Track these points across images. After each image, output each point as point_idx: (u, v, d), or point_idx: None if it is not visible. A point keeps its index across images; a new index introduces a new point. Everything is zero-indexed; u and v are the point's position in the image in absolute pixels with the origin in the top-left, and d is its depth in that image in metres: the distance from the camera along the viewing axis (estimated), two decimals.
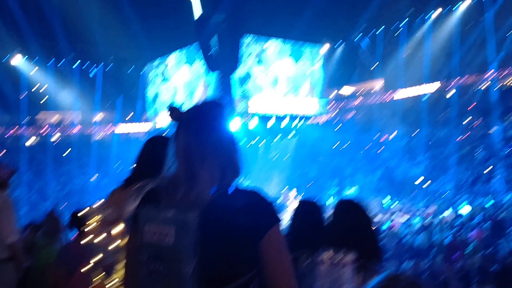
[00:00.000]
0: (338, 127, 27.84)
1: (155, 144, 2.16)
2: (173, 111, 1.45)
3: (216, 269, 1.29)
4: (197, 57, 17.35)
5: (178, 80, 18.95)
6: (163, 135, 2.17)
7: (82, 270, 2.07)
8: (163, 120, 19.08)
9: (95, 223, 2.00)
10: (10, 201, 3.50)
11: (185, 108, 1.47)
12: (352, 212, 2.25)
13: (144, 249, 1.31)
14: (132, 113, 25.85)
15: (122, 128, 26.82)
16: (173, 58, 19.06)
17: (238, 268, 1.31)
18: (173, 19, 17.28)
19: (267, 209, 1.36)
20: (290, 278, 1.37)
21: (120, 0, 17.52)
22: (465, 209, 14.35)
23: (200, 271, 1.26)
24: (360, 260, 1.94)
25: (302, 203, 2.77)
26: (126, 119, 26.69)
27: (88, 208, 2.09)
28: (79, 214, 3.71)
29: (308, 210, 2.65)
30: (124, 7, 17.79)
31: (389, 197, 18.87)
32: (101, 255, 1.99)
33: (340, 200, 2.42)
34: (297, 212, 2.66)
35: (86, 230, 2.04)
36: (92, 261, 1.93)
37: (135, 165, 2.16)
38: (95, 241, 2.00)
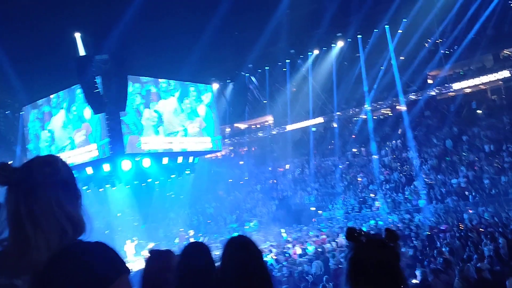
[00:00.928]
0: (234, 161, 28.36)
1: None
2: (2, 171, 1.33)
3: None
4: (78, 99, 16.58)
5: (57, 124, 17.87)
6: None
7: None
8: None
9: None
10: None
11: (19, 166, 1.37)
12: (241, 250, 2.20)
13: None
14: (12, 161, 23.62)
15: None
16: (52, 100, 17.99)
17: None
18: (51, 61, 16.40)
19: (110, 260, 1.21)
20: None
21: None
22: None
23: None
24: None
25: (187, 247, 2.54)
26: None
27: None
28: None
29: (195, 252, 2.46)
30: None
31: (283, 230, 19.46)
32: None
33: (230, 238, 2.32)
34: (184, 256, 2.45)
35: None
36: None
37: None
38: None
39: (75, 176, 1.42)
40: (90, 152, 16.70)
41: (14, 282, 1.19)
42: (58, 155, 1.45)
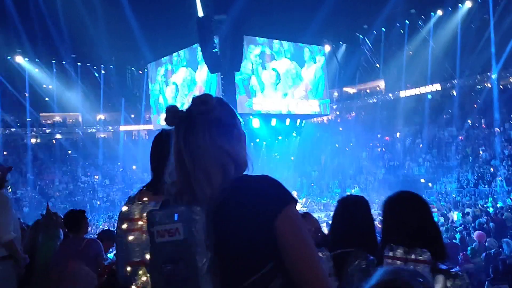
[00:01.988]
0: (340, 127, 27.87)
1: (161, 140, 2.07)
2: (168, 113, 1.41)
3: (232, 262, 1.24)
4: (198, 58, 17.37)
5: (179, 80, 18.98)
6: (168, 130, 2.17)
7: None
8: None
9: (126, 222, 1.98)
10: (7, 199, 3.49)
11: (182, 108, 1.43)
12: (415, 207, 2.04)
13: (157, 252, 1.31)
14: (133, 115, 25.95)
15: (126, 128, 26.91)
16: (174, 59, 19.09)
17: (254, 260, 1.23)
18: (173, 21, 17.33)
19: (277, 191, 1.26)
20: (313, 267, 1.23)
21: (119, 3, 17.53)
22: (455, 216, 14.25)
23: (216, 265, 1.23)
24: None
25: (344, 200, 2.52)
26: (131, 117, 26.78)
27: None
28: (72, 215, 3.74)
29: (353, 206, 2.41)
30: (124, 10, 17.85)
31: None
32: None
33: (399, 194, 2.15)
34: (341, 209, 2.44)
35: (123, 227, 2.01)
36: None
37: (151, 164, 2.09)
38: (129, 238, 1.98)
39: (236, 117, 1.43)
40: None
41: (193, 210, 1.26)
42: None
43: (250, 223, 1.23)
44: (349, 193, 21.85)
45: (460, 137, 21.66)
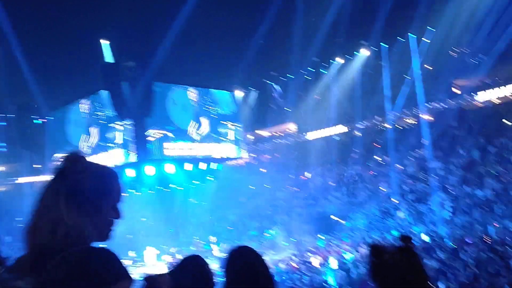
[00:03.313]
0: (256, 168, 28.38)
1: None
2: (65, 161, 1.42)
3: None
4: (104, 104, 16.96)
5: (83, 129, 18.32)
6: None
7: None
8: None
9: None
10: None
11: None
12: (246, 257, 2.26)
13: None
14: (40, 165, 24.29)
15: (26, 179, 25.01)
16: (80, 106, 18.47)
17: None
18: (80, 66, 16.83)
19: (108, 266, 1.21)
20: None
21: (23, 45, 16.73)
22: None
23: None
24: None
25: (186, 258, 2.51)
26: (33, 167, 25.02)
27: None
28: None
29: (193, 264, 2.45)
30: (27, 53, 17.03)
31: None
32: None
33: (235, 247, 2.36)
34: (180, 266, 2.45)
35: None
36: None
37: None
38: None
39: (105, 190, 1.41)
40: (115, 157, 17.03)
41: (15, 284, 1.22)
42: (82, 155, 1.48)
43: None
44: (267, 234, 22.08)
45: (366, 173, 23.08)
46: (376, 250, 1.84)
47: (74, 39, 16.69)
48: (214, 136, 20.12)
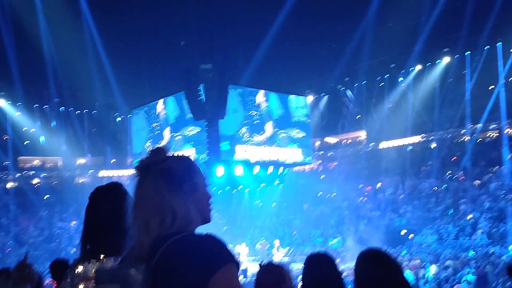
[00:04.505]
0: (322, 176, 28.01)
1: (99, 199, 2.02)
2: (138, 164, 1.43)
3: None
4: (182, 105, 17.55)
5: (163, 127, 19.09)
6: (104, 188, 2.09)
7: None
8: None
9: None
10: None
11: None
12: (378, 266, 2.19)
13: None
14: (114, 160, 25.72)
15: (106, 173, 26.52)
16: (159, 105, 19.27)
17: None
18: (159, 67, 17.64)
19: (214, 251, 1.24)
20: None
21: (107, 47, 17.82)
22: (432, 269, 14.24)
23: None
24: None
25: (312, 257, 2.60)
26: (111, 162, 26.48)
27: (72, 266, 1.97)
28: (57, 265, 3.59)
29: (321, 264, 2.52)
30: (111, 54, 18.12)
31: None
32: None
33: (365, 252, 2.34)
34: (308, 267, 2.53)
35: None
36: None
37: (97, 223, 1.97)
38: None
39: (194, 171, 1.44)
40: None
41: (129, 271, 1.29)
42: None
43: (185, 284, 1.20)
44: (331, 242, 21.69)
45: (437, 189, 21.96)
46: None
47: (156, 41, 17.52)
48: (284, 140, 20.14)
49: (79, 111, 25.18)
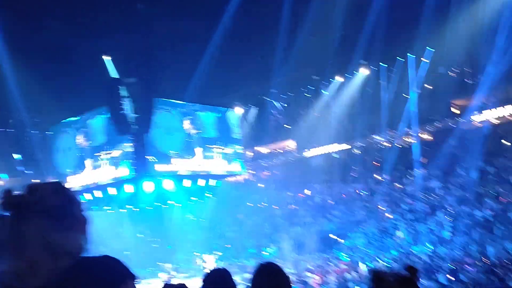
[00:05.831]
0: (255, 185, 28.32)
1: None
2: (3, 198, 1.37)
3: None
4: (104, 120, 17.02)
5: (83, 144, 18.35)
6: None
7: None
8: (70, 185, 18.11)
9: None
10: None
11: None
12: (273, 276, 2.28)
13: None
14: (37, 180, 24.17)
15: None
16: (80, 121, 18.54)
17: None
18: (81, 81, 16.94)
19: (113, 267, 1.24)
20: None
21: (21, 62, 16.84)
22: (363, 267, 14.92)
23: None
24: None
25: (213, 272, 2.67)
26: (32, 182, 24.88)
27: None
28: None
29: (220, 277, 2.57)
30: (26, 68, 17.13)
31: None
32: None
33: (261, 264, 2.41)
34: (207, 280, 2.56)
35: None
36: None
37: None
38: None
39: (72, 202, 1.42)
40: (114, 172, 17.00)
41: None
42: (55, 181, 1.48)
43: None
44: (265, 253, 21.91)
45: (362, 193, 23.05)
46: (377, 277, 1.84)
47: (75, 55, 16.83)
48: (213, 153, 20.13)
49: None
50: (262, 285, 2.29)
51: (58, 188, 1.43)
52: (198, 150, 19.52)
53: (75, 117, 18.61)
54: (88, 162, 18.10)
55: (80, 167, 18.30)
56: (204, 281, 2.58)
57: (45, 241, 1.32)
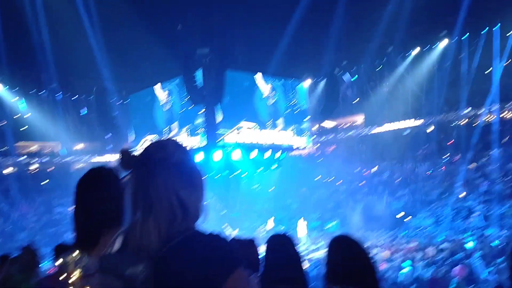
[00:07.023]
0: (320, 159, 28.11)
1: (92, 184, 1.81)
2: (123, 157, 1.37)
3: None
4: (181, 90, 17.50)
5: (161, 112, 19.06)
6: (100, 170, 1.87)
7: None
8: None
9: (76, 275, 1.75)
10: None
11: (140, 151, 1.41)
12: (348, 248, 2.28)
13: None
14: (112, 145, 25.67)
15: (103, 158, 26.50)
16: (157, 90, 19.21)
17: None
18: (156, 52, 17.46)
19: (225, 255, 1.24)
20: None
21: (103, 31, 17.63)
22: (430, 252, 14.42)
23: None
24: None
25: (273, 238, 2.64)
26: (109, 148, 26.42)
27: (68, 257, 1.77)
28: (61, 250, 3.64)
29: (280, 244, 2.56)
30: (107, 38, 17.93)
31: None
32: None
33: (335, 237, 2.40)
34: (269, 247, 2.56)
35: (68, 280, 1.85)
36: None
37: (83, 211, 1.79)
38: None
39: (195, 162, 1.40)
40: (188, 140, 17.56)
41: (134, 269, 1.21)
42: (174, 139, 1.46)
43: (198, 283, 1.19)
44: (327, 226, 21.90)
45: (433, 172, 22.11)
46: None
47: (152, 25, 17.31)
48: (281, 125, 20.16)
49: (77, 96, 25.05)
50: (337, 258, 2.26)
51: (180, 145, 1.41)
52: (267, 122, 19.64)
53: (153, 85, 19.28)
54: (163, 129, 18.85)
55: (156, 133, 19.12)
56: (267, 245, 2.59)
57: (170, 199, 1.30)
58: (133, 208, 1.33)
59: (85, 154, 26.66)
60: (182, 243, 1.24)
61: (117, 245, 1.34)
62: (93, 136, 26.23)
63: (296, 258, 2.50)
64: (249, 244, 2.71)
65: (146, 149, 1.39)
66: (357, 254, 2.25)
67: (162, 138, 1.45)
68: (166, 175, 1.31)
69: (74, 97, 24.99)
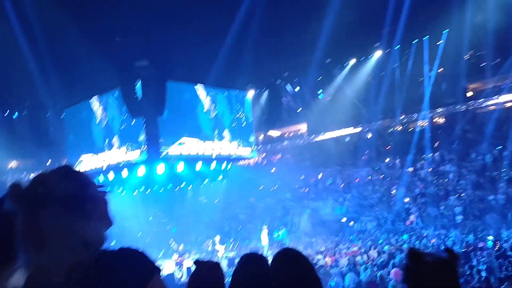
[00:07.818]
0: (266, 168, 28.36)
1: None
2: (12, 191, 1.29)
3: None
4: (120, 103, 17.08)
5: (99, 127, 18.48)
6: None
7: None
8: (83, 167, 18.32)
9: None
10: None
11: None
12: (294, 262, 2.24)
13: None
14: (50, 160, 24.50)
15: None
16: (93, 104, 18.62)
17: None
18: (94, 64, 16.94)
19: (140, 262, 1.18)
20: None
21: (36, 42, 16.87)
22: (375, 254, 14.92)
23: None
24: None
25: (244, 257, 2.55)
26: (47, 164, 25.21)
27: None
28: None
29: (253, 262, 2.47)
30: (42, 49, 17.17)
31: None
32: None
33: (280, 250, 2.37)
34: (241, 265, 2.48)
35: None
36: None
37: None
38: None
39: (89, 186, 1.33)
40: (127, 154, 17.13)
41: None
42: (62, 167, 1.37)
43: None
44: (275, 235, 22.06)
45: (373, 177, 22.98)
46: (414, 256, 1.77)
47: (89, 37, 16.78)
48: (226, 135, 20.18)
49: (8, 112, 23.75)
50: (283, 275, 2.20)
51: (67, 174, 1.33)
52: (210, 133, 19.57)
53: (89, 99, 18.68)
54: (101, 145, 18.27)
55: (94, 149, 18.49)
56: (239, 263, 2.53)
57: (64, 234, 1.23)
58: (25, 245, 1.25)
59: (19, 172, 25.28)
60: (92, 267, 1.15)
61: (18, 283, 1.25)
62: (27, 153, 24.92)
63: (265, 276, 2.44)
64: (214, 268, 2.60)
65: (30, 183, 1.31)
66: (301, 269, 2.22)
67: (46, 170, 1.35)
68: (53, 210, 1.24)
69: (6, 113, 23.68)
